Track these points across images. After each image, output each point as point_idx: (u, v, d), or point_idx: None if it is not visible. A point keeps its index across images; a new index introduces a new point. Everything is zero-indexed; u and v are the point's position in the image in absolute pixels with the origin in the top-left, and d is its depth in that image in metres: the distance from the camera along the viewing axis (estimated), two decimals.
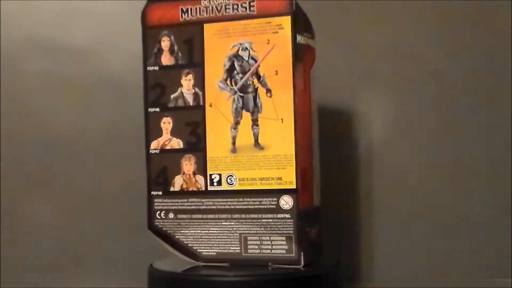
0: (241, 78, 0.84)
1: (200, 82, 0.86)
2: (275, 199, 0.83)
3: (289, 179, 0.83)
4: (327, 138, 1.05)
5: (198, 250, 0.86)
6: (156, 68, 0.88)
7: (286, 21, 0.83)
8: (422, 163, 1.06)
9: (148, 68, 0.89)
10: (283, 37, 0.83)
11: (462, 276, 1.05)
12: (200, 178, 0.86)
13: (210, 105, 0.86)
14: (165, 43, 0.88)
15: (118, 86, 1.08)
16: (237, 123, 0.84)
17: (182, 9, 0.87)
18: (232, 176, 0.85)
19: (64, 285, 1.06)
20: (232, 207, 0.85)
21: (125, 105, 1.07)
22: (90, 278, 1.07)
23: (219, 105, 0.85)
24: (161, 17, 0.88)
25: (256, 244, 0.84)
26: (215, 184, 0.86)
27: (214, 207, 0.85)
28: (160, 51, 0.88)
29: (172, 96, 0.87)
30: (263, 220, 0.84)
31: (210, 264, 0.86)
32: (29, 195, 1.07)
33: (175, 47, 0.87)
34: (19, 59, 1.07)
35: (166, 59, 0.88)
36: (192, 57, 0.86)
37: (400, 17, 1.06)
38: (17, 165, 1.07)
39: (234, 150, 0.85)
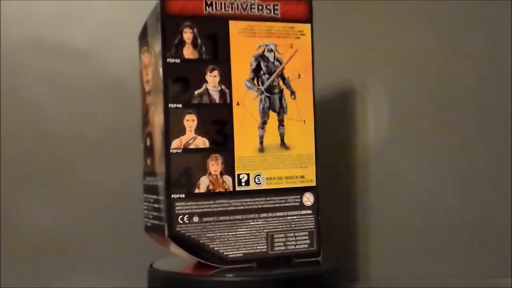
0: (267, 79, 0.86)
1: (226, 80, 0.84)
2: (299, 196, 0.87)
3: (310, 177, 0.88)
4: (324, 138, 1.06)
5: (225, 253, 0.84)
6: (178, 60, 0.82)
7: (307, 29, 0.88)
8: (420, 162, 1.08)
9: (168, 60, 0.82)
10: (304, 43, 0.88)
11: (462, 276, 1.07)
12: (227, 179, 0.84)
13: (238, 104, 0.85)
14: (187, 35, 0.82)
15: (118, 87, 1.06)
16: (264, 122, 0.86)
17: (206, 2, 0.83)
18: (260, 175, 0.85)
19: (64, 285, 1.05)
20: (259, 206, 0.85)
21: (125, 105, 1.06)
22: (90, 278, 1.06)
23: (246, 104, 0.85)
24: (183, 6, 0.82)
25: (281, 241, 0.86)
26: (243, 184, 0.85)
27: (242, 207, 0.84)
28: (182, 43, 0.82)
29: (196, 92, 0.83)
30: (288, 217, 0.87)
31: (237, 266, 0.84)
32: (29, 195, 1.05)
33: (199, 41, 0.83)
34: (19, 59, 1.05)
35: (189, 52, 0.82)
36: (217, 53, 0.84)
37: (399, 17, 1.08)
38: (17, 165, 1.05)
39: (262, 150, 0.85)
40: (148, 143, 0.86)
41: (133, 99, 1.05)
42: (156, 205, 0.84)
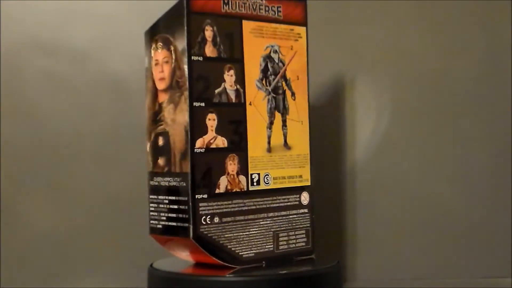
0: (273, 80, 0.87)
1: (240, 79, 0.84)
2: (298, 195, 0.89)
3: (306, 176, 0.90)
4: (319, 139, 1.05)
5: (240, 253, 0.84)
6: (201, 58, 0.81)
7: (303, 31, 0.90)
8: (418, 162, 1.07)
9: (192, 58, 0.80)
10: (301, 45, 0.90)
11: (462, 276, 1.06)
12: (242, 178, 0.84)
13: (250, 104, 0.85)
14: (208, 32, 0.81)
15: (118, 87, 1.05)
16: (271, 123, 0.87)
17: (223, 0, 0.83)
18: (268, 175, 0.86)
19: (65, 285, 1.05)
20: (268, 205, 0.86)
21: (125, 105, 1.05)
22: (90, 278, 1.05)
23: (257, 104, 0.86)
24: (204, 4, 0.81)
25: (285, 240, 0.88)
26: (255, 184, 0.85)
27: (254, 207, 0.85)
28: (204, 40, 0.81)
29: (216, 91, 0.82)
30: (290, 216, 0.88)
31: (249, 265, 0.85)
32: (29, 195, 1.04)
33: (218, 39, 0.82)
34: (19, 59, 1.04)
35: (210, 51, 0.82)
36: (233, 52, 0.83)
37: (399, 17, 1.07)
38: (17, 165, 1.04)
39: (269, 150, 0.86)
40: (160, 143, 0.84)
41: (133, 98, 1.03)
42: (175, 206, 0.81)
